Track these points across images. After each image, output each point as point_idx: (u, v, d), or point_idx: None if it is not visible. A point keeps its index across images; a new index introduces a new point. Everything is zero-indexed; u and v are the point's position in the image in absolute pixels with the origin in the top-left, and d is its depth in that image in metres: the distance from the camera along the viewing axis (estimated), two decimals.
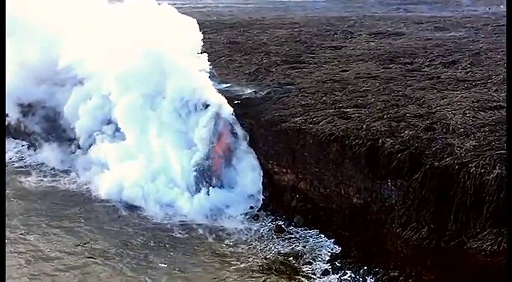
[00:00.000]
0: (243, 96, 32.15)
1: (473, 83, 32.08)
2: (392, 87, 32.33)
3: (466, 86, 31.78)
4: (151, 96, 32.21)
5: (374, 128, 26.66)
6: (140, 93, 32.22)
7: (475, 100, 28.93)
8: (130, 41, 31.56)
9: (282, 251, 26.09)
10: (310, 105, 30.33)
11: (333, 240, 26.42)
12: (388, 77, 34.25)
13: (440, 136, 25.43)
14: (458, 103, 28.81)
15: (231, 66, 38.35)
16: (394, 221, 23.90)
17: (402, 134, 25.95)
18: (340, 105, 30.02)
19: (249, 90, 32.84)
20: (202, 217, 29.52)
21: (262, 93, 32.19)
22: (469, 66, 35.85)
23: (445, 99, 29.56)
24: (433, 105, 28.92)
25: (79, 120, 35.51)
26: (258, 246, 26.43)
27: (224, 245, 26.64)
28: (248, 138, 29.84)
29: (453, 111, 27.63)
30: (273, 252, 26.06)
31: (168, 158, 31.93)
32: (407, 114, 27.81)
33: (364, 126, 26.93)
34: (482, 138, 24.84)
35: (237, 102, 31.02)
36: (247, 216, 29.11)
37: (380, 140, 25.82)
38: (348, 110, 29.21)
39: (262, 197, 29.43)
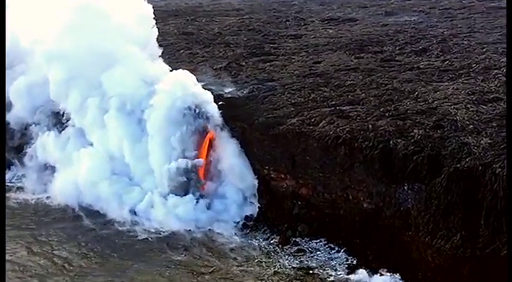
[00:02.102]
0: (224, 96, 29.85)
1: (457, 73, 31.35)
2: (377, 80, 31.10)
3: (450, 76, 31.02)
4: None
5: (381, 128, 25.34)
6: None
7: (470, 92, 28.19)
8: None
9: (293, 266, 24.38)
10: (300, 103, 28.61)
11: (344, 249, 24.97)
12: (367, 68, 32.99)
13: (452, 134, 24.46)
14: (454, 96, 27.98)
15: (195, 61, 35.81)
16: (419, 228, 22.69)
17: (412, 134, 24.81)
18: (333, 102, 28.49)
19: (228, 89, 30.60)
20: (186, 226, 27.40)
21: (245, 92, 30.07)
22: (441, 54, 35.12)
23: (438, 92, 28.65)
24: (429, 99, 27.94)
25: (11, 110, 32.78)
26: (267, 263, 24.56)
27: (230, 263, 24.52)
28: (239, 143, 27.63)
29: (454, 106, 26.71)
30: (285, 267, 24.29)
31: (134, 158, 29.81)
32: (409, 111, 26.68)
33: (369, 126, 25.56)
34: (494, 135, 24.06)
35: (221, 103, 28.67)
36: (243, 227, 27.15)
37: (391, 141, 24.54)
38: (344, 108, 27.73)
39: (259, 205, 27.44)
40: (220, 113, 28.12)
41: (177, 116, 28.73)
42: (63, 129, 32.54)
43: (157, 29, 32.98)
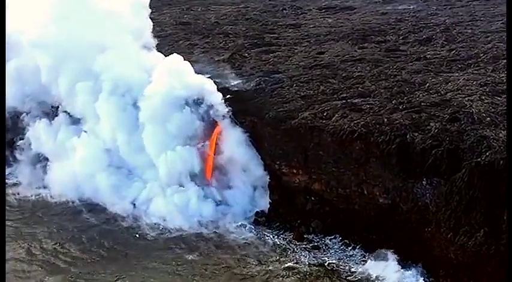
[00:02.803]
0: (231, 89, 29.05)
1: (465, 63, 30.90)
2: (385, 71, 30.54)
3: (459, 66, 30.56)
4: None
5: (396, 121, 24.79)
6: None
7: (482, 83, 27.73)
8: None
9: (309, 262, 23.82)
10: (310, 96, 27.95)
11: (360, 245, 24.45)
12: (373, 59, 32.39)
13: (469, 127, 23.98)
14: (467, 87, 27.51)
15: (196, 52, 34.90)
16: (440, 224, 22.20)
17: (429, 127, 24.32)
18: (343, 95, 27.87)
19: (234, 82, 29.79)
20: (195, 223, 26.75)
21: (252, 85, 29.28)
22: (446, 43, 34.65)
23: (450, 84, 28.16)
24: (442, 90, 27.43)
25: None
26: (282, 260, 23.95)
27: (244, 261, 23.85)
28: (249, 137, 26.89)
29: (469, 98, 26.24)
30: (300, 264, 23.72)
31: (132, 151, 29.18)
32: (423, 104, 26.15)
33: (385, 120, 25.00)
34: None
35: (229, 97, 27.89)
36: (255, 223, 26.50)
37: (408, 135, 24.00)
38: (355, 100, 27.14)
39: (270, 200, 26.77)
40: (229, 106, 27.25)
41: (173, 104, 27.89)
42: (55, 117, 31.63)
43: (152, 19, 32.14)
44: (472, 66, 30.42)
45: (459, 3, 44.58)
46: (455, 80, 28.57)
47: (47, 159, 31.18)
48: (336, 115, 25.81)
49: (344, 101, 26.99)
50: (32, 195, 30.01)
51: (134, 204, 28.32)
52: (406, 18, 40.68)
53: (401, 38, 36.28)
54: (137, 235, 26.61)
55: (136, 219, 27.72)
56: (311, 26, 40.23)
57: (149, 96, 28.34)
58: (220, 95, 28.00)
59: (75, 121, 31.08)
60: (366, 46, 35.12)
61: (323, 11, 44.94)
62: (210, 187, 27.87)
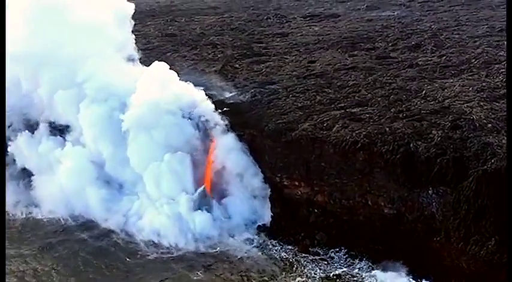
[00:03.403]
0: (227, 101, 28.64)
1: (458, 69, 30.94)
2: (379, 78, 30.42)
3: (452, 72, 30.58)
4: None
5: (399, 130, 24.61)
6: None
7: (478, 89, 27.76)
8: None
9: (318, 275, 23.47)
10: (308, 107, 27.68)
11: (366, 256, 24.16)
12: (366, 67, 32.27)
13: (472, 134, 23.92)
14: (464, 94, 27.50)
15: (185, 64, 34.41)
16: (449, 234, 22.03)
17: (431, 135, 24.20)
18: (341, 104, 27.66)
19: (229, 94, 29.38)
20: (190, 239, 26.21)
21: (247, 96, 28.90)
22: (435, 49, 34.69)
23: (446, 90, 28.13)
24: (439, 97, 27.37)
25: None
26: (290, 275, 23.57)
27: (253, 279, 23.42)
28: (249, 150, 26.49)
29: (467, 105, 26.22)
30: (309, 277, 23.37)
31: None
32: (423, 111, 26.04)
33: (386, 129, 24.79)
34: None
35: (226, 109, 27.47)
36: (258, 236, 26.05)
37: (411, 144, 23.83)
38: (354, 110, 26.93)
39: (272, 213, 26.37)
40: (226, 119, 26.85)
41: (159, 113, 27.42)
42: (37, 129, 30.86)
43: (137, 31, 31.69)
44: (465, 72, 30.45)
45: (442, 8, 44.82)
46: (450, 86, 28.54)
47: (32, 174, 30.32)
48: (337, 125, 25.56)
49: (343, 111, 26.77)
50: (20, 214, 29.13)
51: (126, 219, 27.63)
52: (393, 25, 40.70)
53: (390, 44, 36.24)
54: (137, 254, 25.88)
55: (130, 236, 27.09)
56: (298, 34, 40.02)
57: (134, 105, 27.68)
58: (209, 102, 27.58)
59: (58, 132, 30.40)
60: (356, 54, 35.01)
61: (308, 19, 44.78)
62: (208, 199, 27.21)
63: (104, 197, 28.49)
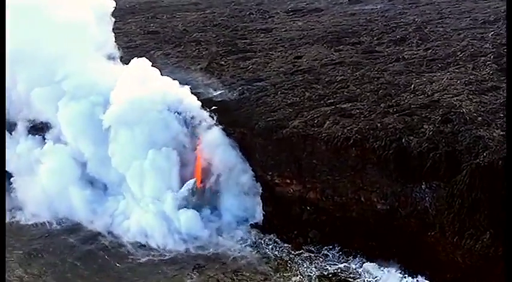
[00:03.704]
0: (214, 99, 28.32)
1: (445, 62, 30.88)
2: (367, 73, 30.29)
3: (439, 66, 30.52)
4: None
5: (390, 125, 24.52)
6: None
7: (467, 82, 27.74)
8: None
9: (313, 274, 23.32)
10: (297, 103, 27.45)
11: (361, 253, 24.07)
12: (353, 62, 32.11)
13: (463, 128, 23.90)
14: (452, 87, 27.47)
15: (170, 62, 33.99)
16: (444, 229, 22.01)
17: (423, 130, 24.13)
18: (330, 100, 27.49)
19: (217, 92, 29.05)
20: (189, 242, 25.87)
21: (235, 94, 28.62)
22: (420, 42, 34.61)
23: (434, 84, 28.09)
24: (428, 91, 27.31)
25: None
26: (286, 275, 23.37)
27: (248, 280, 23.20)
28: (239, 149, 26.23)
29: (456, 98, 26.19)
30: (305, 276, 23.22)
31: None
32: (413, 106, 25.95)
33: (378, 124, 24.68)
34: (504, 126, 23.62)
35: (214, 108, 27.15)
36: (250, 235, 25.81)
37: (403, 139, 23.75)
38: (343, 106, 26.77)
39: (263, 212, 26.16)
40: (215, 118, 26.59)
41: (141, 109, 26.97)
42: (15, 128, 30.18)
43: (118, 29, 31.21)
44: (451, 65, 30.42)
45: (424, 1, 44.80)
46: (438, 80, 28.50)
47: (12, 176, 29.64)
48: (328, 122, 25.40)
49: (332, 107, 26.61)
50: None
51: (113, 221, 27.23)
52: (376, 19, 40.59)
53: (375, 38, 36.11)
54: (127, 258, 25.43)
55: (117, 238, 26.65)
56: (282, 30, 39.74)
57: (115, 102, 27.17)
58: (195, 98, 27.27)
59: (37, 131, 29.84)
60: (342, 48, 34.83)
61: (290, 13, 44.53)
62: (198, 195, 26.82)
63: (88, 198, 28.01)
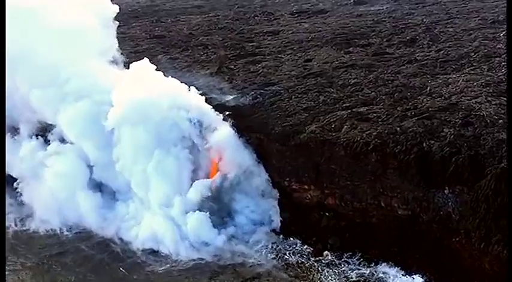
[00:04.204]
0: (228, 105, 27.87)
1: (459, 63, 30.52)
2: (380, 75, 29.90)
3: (454, 67, 30.15)
4: None
5: (410, 129, 24.09)
6: None
7: (483, 84, 27.34)
8: None
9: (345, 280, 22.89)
10: (312, 108, 27.04)
11: (382, 259, 23.62)
12: (365, 64, 31.72)
13: (484, 131, 23.48)
14: (469, 89, 27.07)
15: (179, 67, 33.53)
16: (469, 234, 21.59)
17: (443, 134, 23.69)
18: (345, 104, 27.06)
19: (229, 96, 28.59)
20: (204, 251, 25.30)
21: (249, 99, 28.15)
22: (431, 43, 34.31)
23: (451, 86, 27.69)
24: (445, 94, 26.91)
25: None
26: None
27: None
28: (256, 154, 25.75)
29: (475, 100, 25.78)
30: None
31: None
32: (431, 109, 25.52)
33: (397, 129, 24.24)
34: None
35: (228, 113, 26.70)
36: (267, 242, 25.30)
37: (424, 144, 23.34)
38: (360, 109, 26.34)
39: (281, 218, 25.69)
40: (230, 122, 26.11)
41: (148, 112, 26.47)
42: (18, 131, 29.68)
43: (123, 33, 30.74)
44: (466, 66, 30.05)
45: (430, 0, 44.50)
46: (454, 81, 28.12)
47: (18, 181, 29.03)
48: (345, 126, 24.97)
49: (349, 111, 26.18)
50: (13, 225, 27.84)
51: (123, 227, 26.72)
52: (384, 19, 40.28)
53: (385, 40, 35.77)
54: (139, 267, 24.82)
55: (128, 246, 26.05)
56: (289, 32, 39.36)
57: (118, 104, 26.63)
58: (203, 99, 26.85)
59: (41, 133, 29.35)
60: (352, 50, 34.46)
61: (296, 15, 44.20)
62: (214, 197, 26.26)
63: (97, 204, 27.51)
